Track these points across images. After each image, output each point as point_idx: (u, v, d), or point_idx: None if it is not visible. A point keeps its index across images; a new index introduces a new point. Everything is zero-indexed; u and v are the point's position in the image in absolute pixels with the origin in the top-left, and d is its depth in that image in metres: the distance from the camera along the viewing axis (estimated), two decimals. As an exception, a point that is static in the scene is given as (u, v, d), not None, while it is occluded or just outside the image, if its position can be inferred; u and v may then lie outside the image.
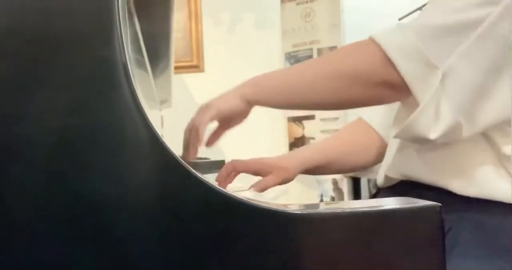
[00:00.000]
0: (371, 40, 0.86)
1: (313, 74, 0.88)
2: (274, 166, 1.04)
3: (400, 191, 0.96)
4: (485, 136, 0.89)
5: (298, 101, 0.91)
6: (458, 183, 0.90)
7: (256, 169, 1.04)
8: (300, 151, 1.14)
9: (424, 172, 0.94)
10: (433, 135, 0.84)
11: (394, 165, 1.00)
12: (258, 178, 1.05)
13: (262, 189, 1.03)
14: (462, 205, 0.89)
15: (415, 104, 0.84)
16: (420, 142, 0.89)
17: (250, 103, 0.89)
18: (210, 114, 0.89)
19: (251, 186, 1.03)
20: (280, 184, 1.05)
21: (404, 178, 0.99)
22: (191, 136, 0.89)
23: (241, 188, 1.08)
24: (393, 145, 1.02)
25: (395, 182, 1.02)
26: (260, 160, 1.06)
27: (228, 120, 0.92)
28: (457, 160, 0.91)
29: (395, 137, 0.90)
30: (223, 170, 0.97)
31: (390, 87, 0.85)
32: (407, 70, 0.83)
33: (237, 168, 1.00)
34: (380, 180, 1.05)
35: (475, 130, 0.87)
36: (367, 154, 1.15)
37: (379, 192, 1.09)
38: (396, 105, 0.95)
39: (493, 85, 0.85)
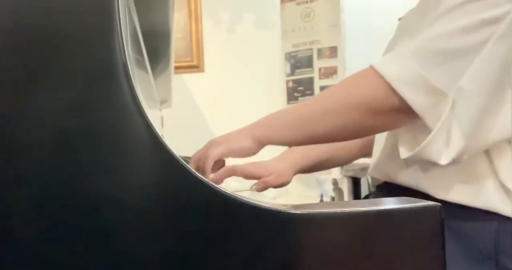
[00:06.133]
0: (373, 70, 0.85)
1: (321, 110, 0.87)
2: (273, 170, 1.06)
3: (385, 194, 0.96)
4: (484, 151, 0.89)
5: (311, 137, 0.91)
6: (443, 190, 0.90)
7: (257, 173, 1.05)
8: (290, 155, 1.14)
9: (408, 176, 0.93)
10: (444, 161, 0.83)
11: (378, 166, 1.00)
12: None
13: (263, 189, 1.04)
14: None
15: (425, 126, 0.84)
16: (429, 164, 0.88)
17: (261, 144, 0.89)
18: (220, 151, 0.89)
19: (252, 186, 1.04)
20: (278, 186, 1.06)
21: (388, 180, 0.99)
22: (198, 169, 0.89)
23: (241, 188, 1.08)
24: (378, 146, 1.02)
25: (380, 182, 1.02)
26: (259, 164, 1.06)
27: (236, 157, 0.92)
28: (453, 171, 0.89)
29: (404, 158, 0.89)
30: (224, 174, 0.97)
31: (401, 113, 0.84)
32: (416, 100, 0.82)
33: (238, 173, 1.01)
34: (370, 179, 1.07)
35: (478, 150, 0.87)
36: (354, 148, 1.16)
37: (370, 195, 1.09)
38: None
39: (496, 105, 0.85)
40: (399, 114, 0.84)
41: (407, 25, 1.03)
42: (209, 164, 0.88)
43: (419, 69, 0.82)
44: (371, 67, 0.85)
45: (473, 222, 0.88)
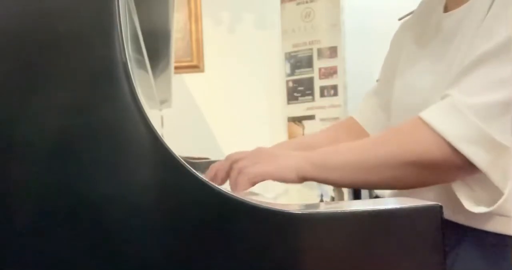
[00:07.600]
0: (427, 126, 0.81)
1: (376, 161, 0.84)
2: None
3: None
4: None
5: (362, 184, 0.90)
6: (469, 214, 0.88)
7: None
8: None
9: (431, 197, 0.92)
10: None
11: (401, 194, 0.99)
12: None
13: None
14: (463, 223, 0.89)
15: (479, 177, 0.82)
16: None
17: (304, 180, 0.88)
18: (260, 173, 0.85)
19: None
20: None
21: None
22: (233, 185, 0.85)
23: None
24: None
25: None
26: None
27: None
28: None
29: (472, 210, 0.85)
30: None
31: (462, 170, 0.82)
32: (479, 159, 0.79)
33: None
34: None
35: None
36: None
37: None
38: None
39: None
40: (459, 171, 0.82)
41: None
42: (243, 183, 0.84)
43: (481, 125, 0.79)
44: (423, 120, 0.82)
45: (493, 230, 0.88)
